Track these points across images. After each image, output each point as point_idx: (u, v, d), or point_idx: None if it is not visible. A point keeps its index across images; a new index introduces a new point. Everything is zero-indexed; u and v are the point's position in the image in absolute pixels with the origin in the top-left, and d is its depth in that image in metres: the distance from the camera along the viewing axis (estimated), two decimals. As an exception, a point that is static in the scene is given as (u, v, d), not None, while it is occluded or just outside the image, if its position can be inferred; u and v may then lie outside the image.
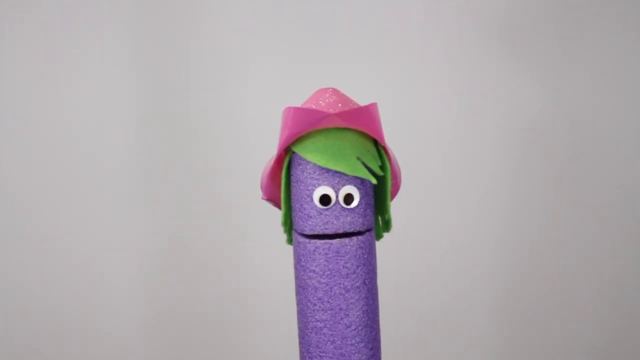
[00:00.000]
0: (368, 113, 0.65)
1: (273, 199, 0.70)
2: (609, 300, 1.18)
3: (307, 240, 0.66)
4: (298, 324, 0.69)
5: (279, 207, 0.70)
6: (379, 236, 0.71)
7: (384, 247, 1.16)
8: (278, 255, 0.94)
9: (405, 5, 1.13)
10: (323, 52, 1.14)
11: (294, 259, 0.68)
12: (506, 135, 1.15)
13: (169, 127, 1.14)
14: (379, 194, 0.69)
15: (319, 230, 0.66)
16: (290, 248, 0.70)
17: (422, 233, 1.17)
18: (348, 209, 0.66)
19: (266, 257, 1.14)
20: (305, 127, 0.64)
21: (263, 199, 0.70)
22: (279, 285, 1.06)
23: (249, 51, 1.13)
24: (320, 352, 0.67)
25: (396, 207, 1.16)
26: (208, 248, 1.16)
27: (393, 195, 0.70)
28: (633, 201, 1.16)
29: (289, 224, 0.69)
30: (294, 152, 0.66)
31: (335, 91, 0.67)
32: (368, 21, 1.14)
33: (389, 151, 0.68)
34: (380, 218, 0.71)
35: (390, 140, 1.10)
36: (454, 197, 1.16)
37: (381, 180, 0.68)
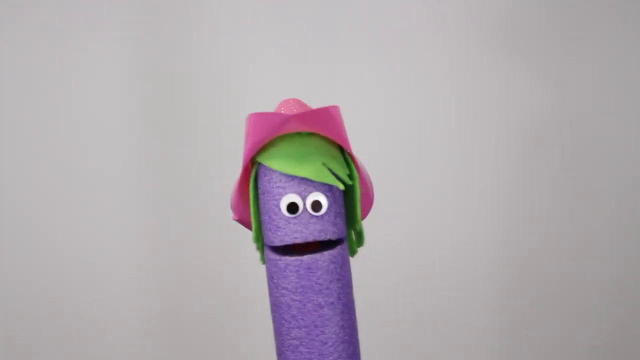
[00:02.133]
0: (328, 115, 0.62)
1: (243, 219, 0.67)
2: (610, 300, 1.16)
3: (277, 257, 0.63)
4: (275, 341, 0.66)
5: (249, 228, 0.67)
6: (353, 252, 0.67)
7: (383, 247, 1.13)
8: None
9: (405, 6, 1.12)
10: (322, 53, 1.13)
11: (267, 276, 0.65)
12: (507, 136, 1.14)
13: (169, 128, 1.14)
14: (348, 204, 0.65)
15: (288, 240, 0.63)
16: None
17: (422, 233, 1.15)
18: (317, 216, 0.62)
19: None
20: (266, 134, 0.62)
21: (234, 219, 0.68)
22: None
23: (248, 52, 1.12)
24: (297, 370, 0.64)
25: (397, 207, 1.14)
26: (208, 248, 1.16)
27: (366, 211, 0.67)
28: (634, 201, 1.15)
29: (260, 241, 0.66)
30: (259, 164, 0.64)
31: (297, 101, 0.65)
32: (368, 21, 1.12)
33: (357, 160, 0.64)
34: (353, 232, 0.67)
35: (390, 140, 1.08)
36: (454, 197, 1.15)
37: (350, 189, 0.64)
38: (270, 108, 1.03)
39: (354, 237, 0.67)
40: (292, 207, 0.62)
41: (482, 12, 1.12)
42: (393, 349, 1.16)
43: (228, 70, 1.13)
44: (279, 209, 0.62)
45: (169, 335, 1.16)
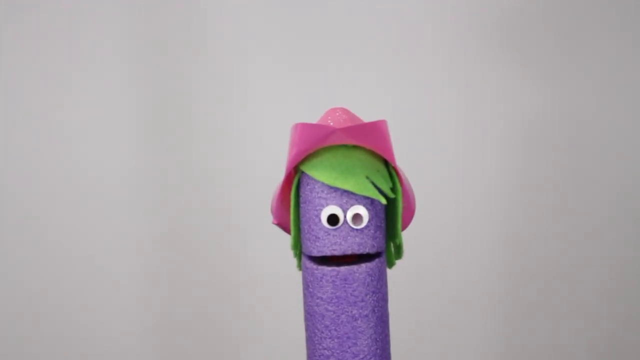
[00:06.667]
0: (376, 130, 0.60)
1: (283, 223, 0.65)
2: (610, 299, 1.13)
3: (314, 266, 0.61)
4: (307, 350, 0.64)
5: (288, 232, 0.65)
6: (390, 263, 0.66)
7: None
8: (280, 257, 0.89)
9: (405, 8, 1.09)
10: (322, 57, 1.10)
11: (303, 284, 0.63)
12: (508, 138, 1.11)
13: (171, 129, 1.11)
14: (389, 217, 0.63)
15: (327, 252, 0.60)
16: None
17: (422, 233, 1.09)
18: (357, 229, 0.60)
19: (268, 258, 1.11)
20: (311, 144, 0.59)
21: (273, 223, 0.65)
22: (281, 286, 1.05)
23: (248, 57, 1.10)
24: (327, 380, 0.63)
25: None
26: (210, 249, 1.13)
27: (407, 222, 0.64)
28: (634, 201, 1.12)
29: (299, 248, 0.64)
30: (302, 172, 0.61)
31: (345, 111, 0.62)
32: (368, 24, 1.10)
33: (401, 173, 0.62)
34: (392, 244, 0.65)
35: (392, 143, 1.05)
36: (456, 199, 1.12)
37: (392, 202, 0.62)
38: (271, 112, 1.01)
39: (392, 249, 0.65)
40: (333, 219, 0.60)
41: (482, 14, 1.09)
42: (393, 349, 1.14)
43: (229, 75, 1.11)
44: (319, 220, 0.60)
45: (170, 336, 1.14)
